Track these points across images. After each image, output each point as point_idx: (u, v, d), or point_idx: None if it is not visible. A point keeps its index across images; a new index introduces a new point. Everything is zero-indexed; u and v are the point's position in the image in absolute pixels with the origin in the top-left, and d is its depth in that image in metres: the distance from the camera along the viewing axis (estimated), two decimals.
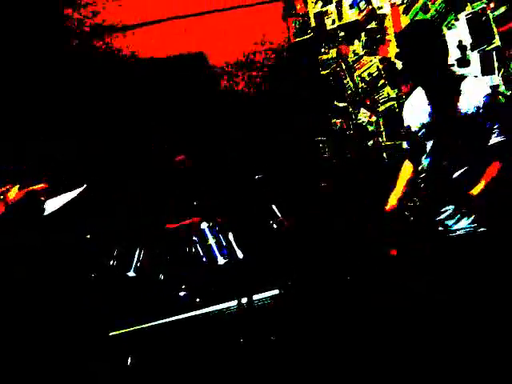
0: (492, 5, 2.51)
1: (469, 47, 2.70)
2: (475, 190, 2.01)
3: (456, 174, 2.11)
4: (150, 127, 3.35)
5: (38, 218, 2.20)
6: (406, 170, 2.48)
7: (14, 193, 2.10)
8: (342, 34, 3.27)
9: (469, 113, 2.02)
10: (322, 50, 3.30)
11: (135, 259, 2.85)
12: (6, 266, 2.25)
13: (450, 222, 2.19)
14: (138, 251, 2.88)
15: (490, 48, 2.57)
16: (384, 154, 3.31)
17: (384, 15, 3.19)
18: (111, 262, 2.83)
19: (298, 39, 3.31)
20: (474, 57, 2.68)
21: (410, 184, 2.48)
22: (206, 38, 3.27)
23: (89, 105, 3.28)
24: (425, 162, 2.28)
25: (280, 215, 2.89)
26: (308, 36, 3.29)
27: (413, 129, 2.30)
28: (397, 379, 2.27)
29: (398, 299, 2.63)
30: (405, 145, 2.52)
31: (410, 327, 2.47)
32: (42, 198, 2.08)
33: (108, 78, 3.25)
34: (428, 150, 2.23)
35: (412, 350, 2.35)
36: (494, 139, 2.01)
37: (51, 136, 3.22)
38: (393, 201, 2.47)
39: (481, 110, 2.00)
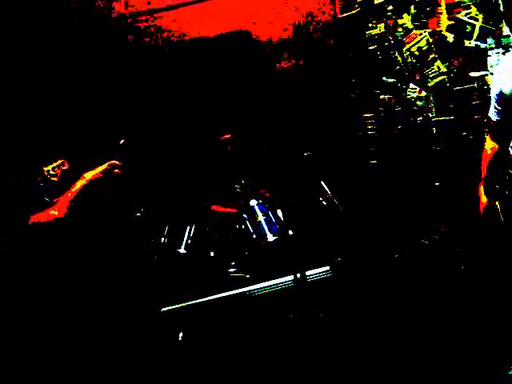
0: None
1: None
2: None
3: None
4: (195, 107, 3.37)
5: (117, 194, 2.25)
6: (490, 150, 2.12)
7: (91, 174, 2.11)
8: (390, 7, 3.20)
9: None
10: (370, 24, 3.23)
11: (186, 236, 2.88)
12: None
13: None
14: (188, 228, 2.91)
15: None
16: (433, 130, 3.25)
17: None
18: (162, 239, 2.87)
19: (345, 14, 3.25)
20: None
21: (497, 167, 2.12)
22: (250, 15, 3.25)
23: (135, 85, 3.33)
24: None
25: (329, 192, 2.88)
26: (355, 11, 3.23)
27: (508, 97, 1.91)
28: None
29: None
30: (494, 117, 2.08)
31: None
32: (118, 171, 2.11)
33: (157, 58, 3.29)
34: None
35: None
36: None
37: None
38: (484, 197, 2.14)
39: None
